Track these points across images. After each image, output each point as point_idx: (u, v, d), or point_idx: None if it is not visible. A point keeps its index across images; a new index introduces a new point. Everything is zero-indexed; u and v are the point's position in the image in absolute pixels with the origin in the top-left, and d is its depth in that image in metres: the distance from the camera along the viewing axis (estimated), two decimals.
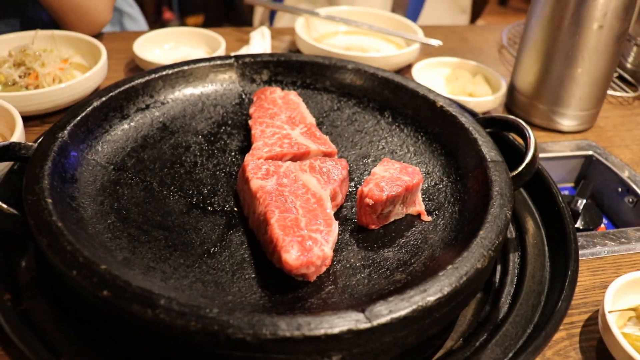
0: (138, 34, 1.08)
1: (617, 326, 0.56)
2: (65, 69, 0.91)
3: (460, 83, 1.00)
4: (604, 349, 0.57)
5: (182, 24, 2.84)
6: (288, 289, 0.52)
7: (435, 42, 1.07)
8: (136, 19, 1.35)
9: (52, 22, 1.13)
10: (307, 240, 0.52)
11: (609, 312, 0.54)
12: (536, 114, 1.01)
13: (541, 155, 0.96)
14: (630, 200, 0.90)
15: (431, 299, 0.46)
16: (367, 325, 0.44)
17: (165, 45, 1.07)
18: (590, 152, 0.97)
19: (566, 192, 0.98)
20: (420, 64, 1.03)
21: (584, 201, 0.89)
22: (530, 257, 0.64)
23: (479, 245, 0.52)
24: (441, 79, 1.04)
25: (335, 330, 0.43)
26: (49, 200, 0.54)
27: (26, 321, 0.50)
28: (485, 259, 0.51)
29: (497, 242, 0.53)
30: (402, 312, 0.45)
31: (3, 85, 0.87)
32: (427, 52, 1.16)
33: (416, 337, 0.48)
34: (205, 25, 2.71)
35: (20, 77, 0.87)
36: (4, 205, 0.55)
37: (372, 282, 0.53)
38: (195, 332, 0.43)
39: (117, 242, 0.55)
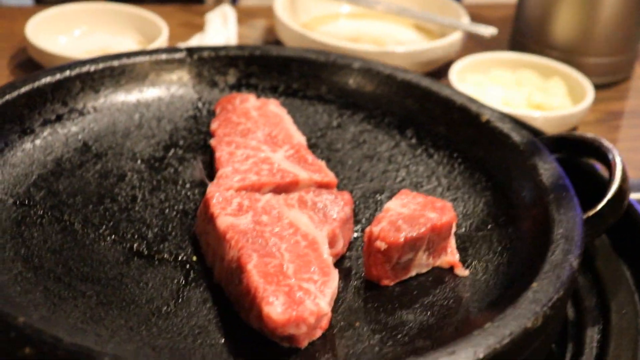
0: (25, 11, 1.26)
1: None
2: None
3: (524, 91, 1.18)
4: None
5: None
6: (270, 359, 0.68)
7: (488, 31, 1.25)
8: None
9: None
10: (297, 292, 0.67)
11: None
12: None
13: None
14: None
15: None
16: None
17: (75, 31, 1.24)
18: None
19: None
20: (463, 62, 1.20)
21: None
22: (616, 332, 0.79)
23: (529, 300, 0.67)
24: (495, 85, 1.21)
25: None
26: None
27: None
28: (539, 318, 0.66)
29: (556, 296, 0.68)
30: None
31: None
32: (476, 44, 1.34)
33: None
34: None
35: None
36: None
37: (384, 351, 0.68)
38: None
39: (30, 298, 0.70)
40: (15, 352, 0.61)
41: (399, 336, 0.71)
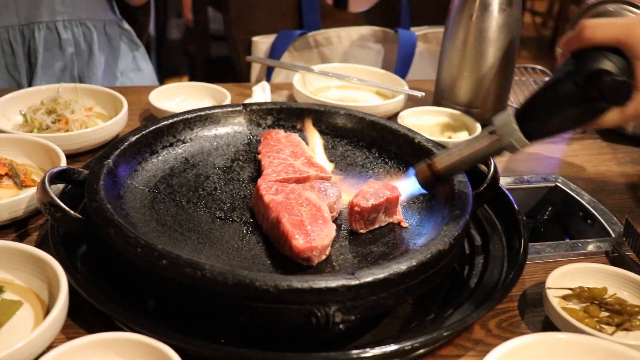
0: (148, 88, 1.36)
1: (560, 305, 0.81)
2: (90, 116, 1.19)
3: (440, 127, 1.28)
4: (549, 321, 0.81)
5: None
6: (295, 271, 0.77)
7: (419, 93, 1.35)
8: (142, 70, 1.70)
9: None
10: (312, 233, 0.77)
11: (548, 288, 0.79)
12: None
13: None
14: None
15: (403, 267, 0.71)
16: (356, 282, 0.68)
17: (177, 98, 1.34)
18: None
19: None
20: (405, 111, 1.30)
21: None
22: (492, 258, 0.88)
23: (442, 236, 0.77)
24: (423, 124, 1.31)
25: (333, 284, 0.68)
26: (109, 206, 0.79)
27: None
28: (447, 244, 0.76)
29: (456, 233, 0.78)
30: (381, 275, 0.70)
31: (38, 129, 1.14)
32: (413, 102, 1.44)
33: (395, 301, 0.73)
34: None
35: (52, 122, 1.15)
36: (72, 211, 0.80)
37: (360, 266, 0.77)
38: (232, 285, 0.67)
39: (161, 240, 0.80)
40: (157, 264, 0.70)
41: (368, 258, 0.80)
